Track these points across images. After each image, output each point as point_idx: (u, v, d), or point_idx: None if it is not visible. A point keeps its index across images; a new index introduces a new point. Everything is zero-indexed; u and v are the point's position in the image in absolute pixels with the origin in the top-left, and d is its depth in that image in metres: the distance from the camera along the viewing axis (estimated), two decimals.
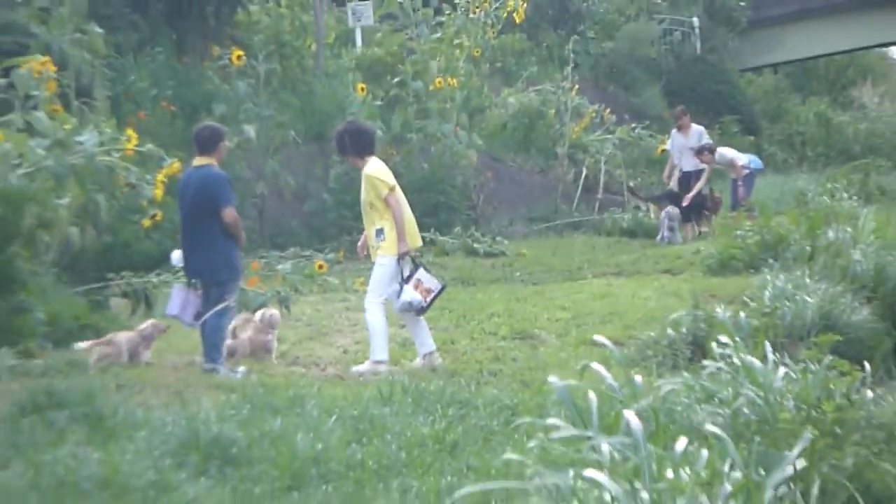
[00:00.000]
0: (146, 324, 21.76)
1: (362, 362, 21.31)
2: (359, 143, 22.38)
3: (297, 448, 14.28)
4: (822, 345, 16.25)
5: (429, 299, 21.01)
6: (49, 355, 20.95)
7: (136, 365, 20.91)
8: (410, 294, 21.03)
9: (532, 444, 11.61)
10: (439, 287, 21.32)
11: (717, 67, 61.47)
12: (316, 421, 15.68)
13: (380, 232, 21.26)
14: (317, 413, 16.02)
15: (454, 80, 41.98)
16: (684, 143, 41.92)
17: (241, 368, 20.94)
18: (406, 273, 21.12)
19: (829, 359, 15.60)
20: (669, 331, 20.66)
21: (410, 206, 21.75)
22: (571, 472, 10.47)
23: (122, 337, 21.46)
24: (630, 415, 10.95)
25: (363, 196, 21.70)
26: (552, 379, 13.64)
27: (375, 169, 21.77)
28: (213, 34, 39.01)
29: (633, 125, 49.88)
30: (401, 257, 21.14)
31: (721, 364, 15.39)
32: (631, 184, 43.30)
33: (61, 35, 33.09)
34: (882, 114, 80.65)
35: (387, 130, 36.84)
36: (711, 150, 42.61)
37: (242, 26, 39.78)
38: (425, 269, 21.35)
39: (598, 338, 15.05)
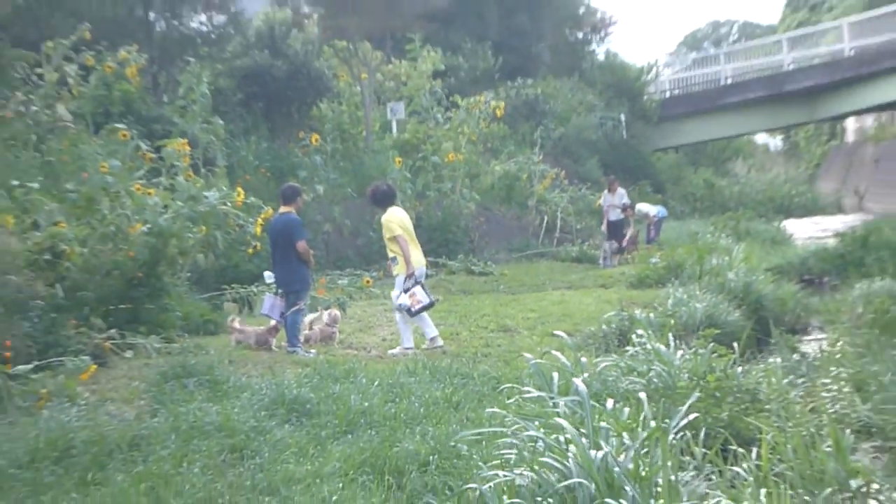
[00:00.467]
0: (271, 323, 22.11)
1: (395, 347, 21.69)
2: (379, 199, 22.96)
3: (350, 405, 14.55)
4: (706, 336, 16.89)
5: (416, 307, 21.12)
6: (183, 341, 21.05)
7: (261, 349, 21.40)
8: (404, 300, 21.36)
9: (511, 402, 11.80)
10: (429, 301, 21.38)
11: (636, 148, 61.23)
12: (363, 386, 15.93)
13: (393, 258, 21.85)
14: (364, 381, 16.26)
15: (460, 156, 42.24)
16: (612, 201, 42.11)
17: (313, 351, 21.39)
18: (408, 286, 21.41)
19: (711, 345, 15.89)
20: (604, 326, 21.09)
21: (428, 241, 22.39)
22: (537, 422, 10.69)
23: (253, 329, 22.04)
24: (578, 382, 11.21)
25: (383, 234, 22.33)
26: (528, 356, 13.89)
27: (388, 217, 22.16)
28: (297, 123, 39.01)
29: (580, 187, 50.13)
30: (407, 276, 21.45)
31: (639, 349, 15.89)
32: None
33: (194, 124, 33.24)
34: (749, 180, 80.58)
35: (413, 189, 36.88)
36: (632, 207, 43.32)
37: (316, 118, 39.83)
38: (422, 286, 21.39)
39: (557, 332, 15.37)
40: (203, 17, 41.55)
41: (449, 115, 45.25)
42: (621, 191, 43.26)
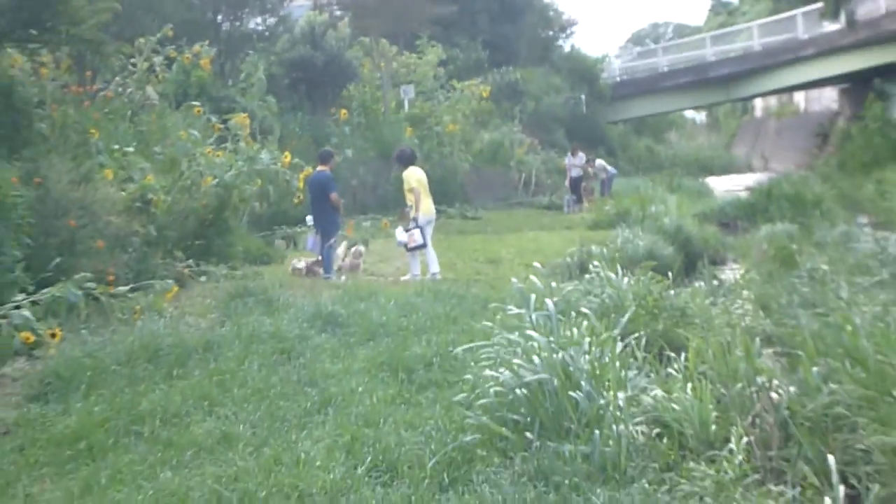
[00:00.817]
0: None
1: (406, 274, 21.64)
2: (403, 159, 23.20)
3: (372, 319, 14.50)
4: (647, 267, 17.04)
5: (411, 245, 21.32)
6: (244, 269, 21.07)
7: (309, 276, 21.32)
8: (403, 237, 21.60)
9: (497, 317, 11.70)
10: (420, 243, 21.28)
11: (594, 121, 60.95)
12: (382, 305, 15.82)
13: (409, 206, 21.90)
14: (383, 300, 16.15)
15: (456, 126, 42.41)
16: (574, 162, 42.25)
17: (343, 277, 21.53)
18: (410, 227, 21.41)
19: (650, 274, 15.81)
20: (567, 259, 20.84)
21: (432, 193, 22.32)
22: (516, 332, 10.60)
23: (304, 262, 22.10)
24: (548, 302, 11.08)
25: (404, 186, 22.41)
26: (514, 280, 13.78)
27: (407, 173, 22.38)
28: (331, 102, 38.90)
29: (549, 151, 50.25)
30: (411, 219, 21.54)
31: (594, 276, 15.75)
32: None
33: (252, 102, 33.24)
34: (680, 146, 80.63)
35: (420, 152, 36.62)
36: (593, 161, 43.64)
37: (345, 97, 39.72)
38: (421, 231, 21.30)
39: (536, 263, 15.27)
40: (259, 20, 41.81)
41: (449, 95, 45.41)
42: (581, 154, 43.53)
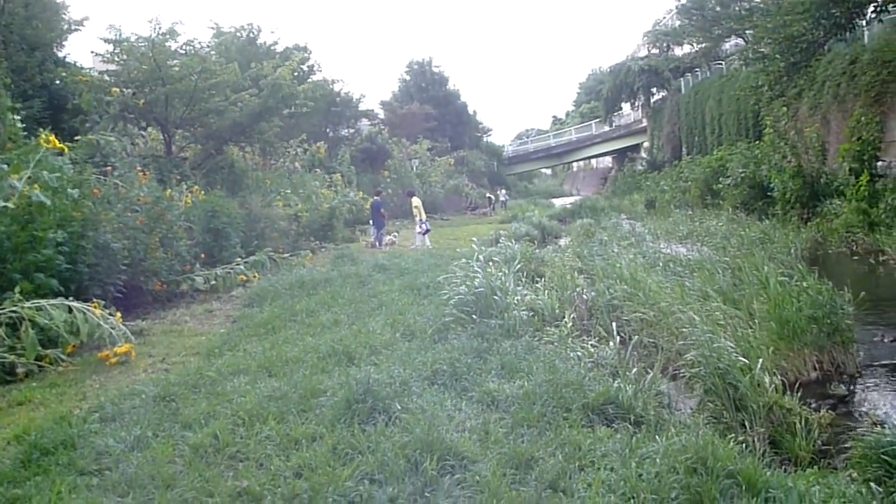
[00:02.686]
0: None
1: (414, 245, 20.94)
2: (408, 194, 23.68)
3: (401, 266, 14.23)
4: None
5: (420, 236, 20.88)
6: (342, 245, 20.92)
7: (371, 248, 20.97)
8: (418, 229, 21.24)
9: (459, 264, 11.62)
10: (423, 238, 20.90)
11: (500, 174, 59.65)
12: (405, 259, 15.62)
13: (416, 218, 21.41)
14: (405, 259, 15.95)
15: (437, 178, 42.38)
16: (494, 193, 41.90)
17: (387, 248, 20.65)
18: (421, 230, 20.98)
19: (526, 241, 15.67)
20: (489, 236, 20.43)
21: (426, 210, 22.30)
22: (467, 271, 10.54)
23: (368, 242, 21.61)
24: (480, 257, 11.03)
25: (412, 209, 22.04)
26: (474, 242, 13.64)
27: (413, 202, 22.14)
28: (379, 167, 39.04)
29: (481, 189, 49.75)
30: (420, 224, 21.09)
31: (501, 244, 15.42)
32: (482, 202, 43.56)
33: (343, 168, 33.27)
34: (539, 185, 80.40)
35: (421, 190, 36.30)
36: (501, 191, 42.68)
37: (387, 165, 39.45)
38: (424, 234, 20.95)
39: (474, 239, 15.10)
40: (346, 130, 41.36)
41: (433, 164, 44.86)
42: (502, 191, 43.15)
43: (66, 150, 11.52)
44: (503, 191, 43.46)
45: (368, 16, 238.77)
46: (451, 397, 5.92)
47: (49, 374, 7.60)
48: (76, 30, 21.42)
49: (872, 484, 4.45)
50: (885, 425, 5.33)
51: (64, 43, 21.00)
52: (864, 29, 21.16)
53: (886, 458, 4.67)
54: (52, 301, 8.15)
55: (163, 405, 6.13)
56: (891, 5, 18.79)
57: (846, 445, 5.39)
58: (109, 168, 13.22)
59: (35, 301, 8.04)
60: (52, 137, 10.88)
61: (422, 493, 4.26)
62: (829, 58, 21.69)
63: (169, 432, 5.41)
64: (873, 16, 19.75)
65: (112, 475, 4.65)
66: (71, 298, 8.43)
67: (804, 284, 8.19)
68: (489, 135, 67.94)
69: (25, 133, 12.41)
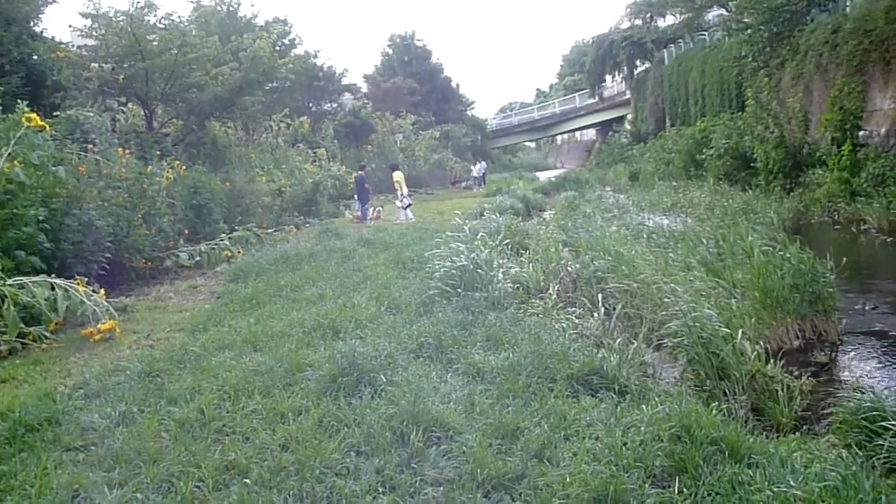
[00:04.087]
0: (377, 210, 21.97)
1: (398, 220, 20.90)
2: (391, 167, 23.11)
3: (386, 240, 14.29)
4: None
5: (402, 208, 20.66)
6: (326, 220, 20.80)
7: (356, 223, 20.84)
8: (399, 203, 21.01)
9: (443, 237, 11.57)
10: (405, 211, 20.76)
11: (485, 147, 58.89)
12: (389, 233, 15.66)
13: (398, 193, 21.09)
14: (390, 232, 15.99)
15: (421, 152, 42.09)
16: (475, 166, 41.61)
17: (372, 223, 20.49)
18: (402, 204, 20.78)
19: (511, 214, 15.66)
20: (473, 209, 20.41)
21: (410, 184, 22.19)
22: (452, 244, 10.52)
23: (371, 212, 21.53)
24: (466, 229, 11.00)
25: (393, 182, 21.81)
26: (456, 218, 13.62)
27: (395, 175, 21.77)
28: (363, 141, 38.61)
29: (464, 163, 49.31)
30: (401, 200, 20.85)
31: (486, 217, 15.46)
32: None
33: (327, 142, 32.99)
34: (523, 158, 79.80)
35: (405, 164, 36.02)
36: (477, 164, 42.20)
37: (370, 140, 39.07)
38: (405, 206, 20.86)
39: (457, 212, 15.07)
40: (329, 105, 40.84)
41: (417, 137, 44.51)
42: (482, 163, 42.65)
43: (47, 127, 11.33)
44: (481, 163, 42.90)
45: None
46: (436, 369, 5.93)
47: (33, 352, 7.53)
48: (53, 2, 21.00)
49: (853, 448, 4.52)
50: (865, 391, 5.37)
51: (41, 17, 20.59)
52: None
53: (866, 422, 4.73)
54: (35, 279, 8.09)
55: (148, 381, 6.09)
56: None
57: (827, 411, 5.43)
58: (90, 145, 13.04)
59: (17, 279, 7.98)
60: (34, 115, 10.68)
61: (408, 465, 4.26)
62: (811, 27, 21.64)
63: (154, 408, 5.38)
64: None
65: (98, 451, 4.64)
66: (54, 276, 8.37)
67: (786, 254, 8.23)
68: (473, 108, 67.58)
69: (2, 109, 12.18)
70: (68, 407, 5.43)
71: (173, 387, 5.84)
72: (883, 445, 4.46)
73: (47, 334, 7.91)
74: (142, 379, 6.16)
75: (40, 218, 9.41)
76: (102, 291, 8.85)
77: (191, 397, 5.54)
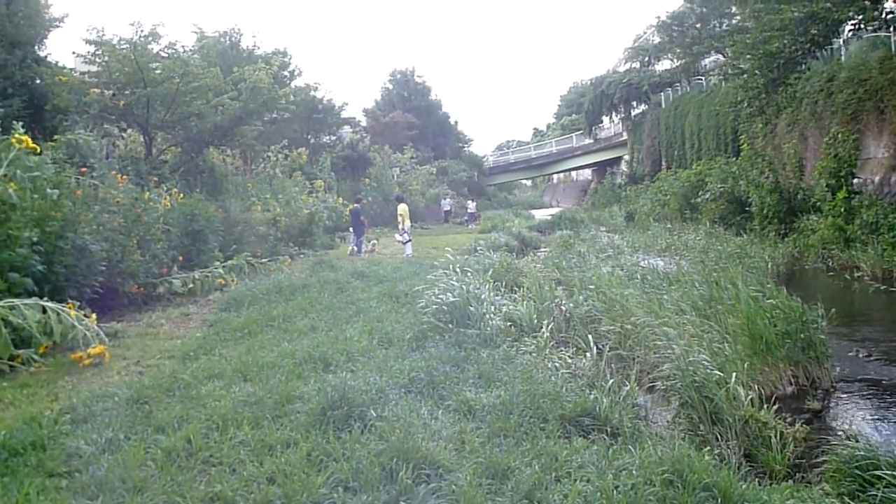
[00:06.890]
0: (372, 243, 22.26)
1: (401, 255, 20.91)
2: (398, 199, 22.93)
3: (380, 274, 14.31)
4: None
5: (404, 244, 20.34)
6: (321, 251, 20.82)
7: (352, 255, 20.81)
8: (399, 237, 20.85)
9: (436, 273, 11.55)
10: (407, 244, 20.36)
11: (481, 185, 59.71)
12: (384, 266, 15.64)
13: (401, 226, 20.81)
14: (385, 266, 15.98)
15: (418, 186, 42.25)
16: (469, 204, 41.62)
17: (367, 256, 20.59)
18: (403, 239, 20.48)
19: (504, 252, 15.65)
20: (468, 245, 20.47)
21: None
22: (445, 280, 10.50)
23: (366, 247, 21.65)
24: (457, 265, 10.99)
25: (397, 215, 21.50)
26: (448, 255, 13.58)
27: (399, 208, 21.44)
28: (362, 175, 39.06)
29: (459, 199, 49.63)
30: (403, 233, 20.55)
31: (479, 253, 15.44)
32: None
33: (324, 174, 33.12)
34: (519, 196, 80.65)
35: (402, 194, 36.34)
36: (472, 202, 42.30)
37: (368, 173, 39.42)
38: (407, 240, 20.51)
39: (448, 249, 15.05)
40: (327, 137, 40.90)
41: (415, 171, 44.67)
42: (472, 203, 42.65)
43: (38, 149, 11.29)
44: (473, 203, 42.89)
45: (352, 24, 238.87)
46: (427, 406, 5.87)
47: (21, 375, 7.45)
48: (56, 26, 21.11)
49: (846, 498, 4.47)
50: (859, 439, 5.34)
51: (45, 41, 20.72)
52: (842, 47, 21.42)
53: (859, 472, 4.69)
54: (26, 301, 8.02)
55: (136, 408, 6.03)
56: (867, 24, 19.02)
57: (820, 459, 5.39)
58: (86, 168, 13.05)
59: (8, 300, 7.92)
60: (25, 137, 10.68)
61: (396, 502, 4.19)
62: (807, 75, 21.93)
63: (141, 435, 5.31)
64: (850, 35, 20.00)
65: (82, 477, 4.56)
66: (46, 299, 8.31)
67: (776, 301, 8.21)
68: (470, 145, 68.27)
69: (2, 131, 12.19)
70: (54, 432, 5.35)
71: (161, 415, 5.78)
72: (877, 496, 4.41)
73: (36, 357, 7.83)
74: (130, 406, 6.09)
75: (34, 240, 9.38)
76: (94, 316, 8.79)
77: (178, 426, 5.48)
